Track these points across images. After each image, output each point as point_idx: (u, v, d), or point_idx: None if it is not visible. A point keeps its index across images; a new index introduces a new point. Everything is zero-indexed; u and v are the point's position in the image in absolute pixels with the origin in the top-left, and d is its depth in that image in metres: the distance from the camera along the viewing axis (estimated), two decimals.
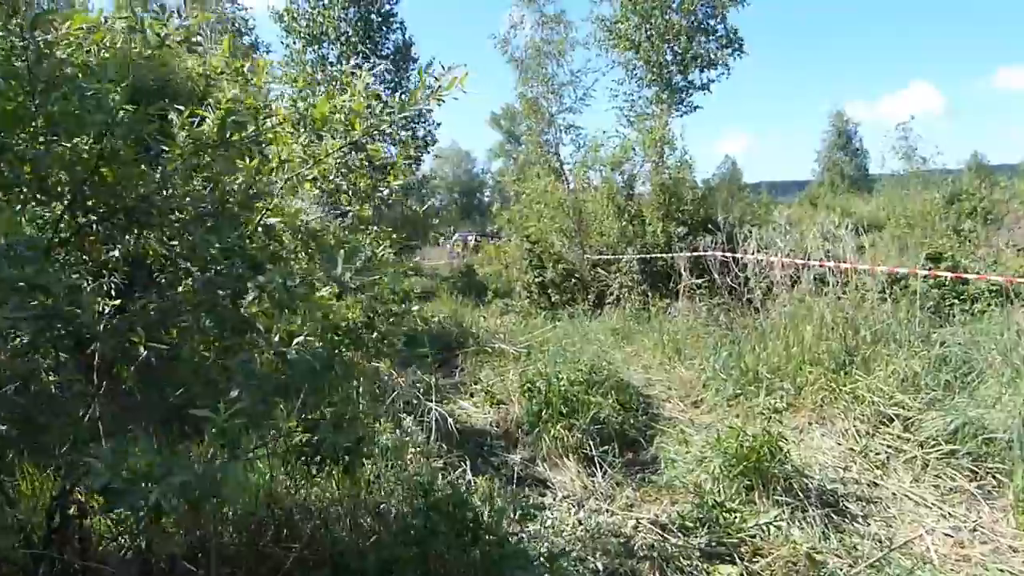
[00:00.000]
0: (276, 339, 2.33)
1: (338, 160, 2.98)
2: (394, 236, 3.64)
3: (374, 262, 2.93)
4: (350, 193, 3.15)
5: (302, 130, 2.90)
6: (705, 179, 16.08)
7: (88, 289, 3.24)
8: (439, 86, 2.83)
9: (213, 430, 1.71)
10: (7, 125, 2.35)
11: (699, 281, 11.80)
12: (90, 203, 2.58)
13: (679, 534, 4.63)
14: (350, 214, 3.28)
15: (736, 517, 4.72)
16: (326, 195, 3.11)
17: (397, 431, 5.52)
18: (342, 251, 2.26)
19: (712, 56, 21.74)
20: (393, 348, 3.38)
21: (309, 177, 2.96)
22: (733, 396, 7.49)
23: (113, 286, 3.25)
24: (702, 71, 22.15)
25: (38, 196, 2.51)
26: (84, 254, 3.11)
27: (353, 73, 2.91)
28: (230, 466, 1.63)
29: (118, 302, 3.10)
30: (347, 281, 2.15)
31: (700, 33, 21.62)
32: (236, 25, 22.39)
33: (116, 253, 3.14)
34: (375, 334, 3.20)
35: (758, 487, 5.06)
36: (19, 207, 2.55)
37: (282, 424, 2.47)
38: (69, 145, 2.40)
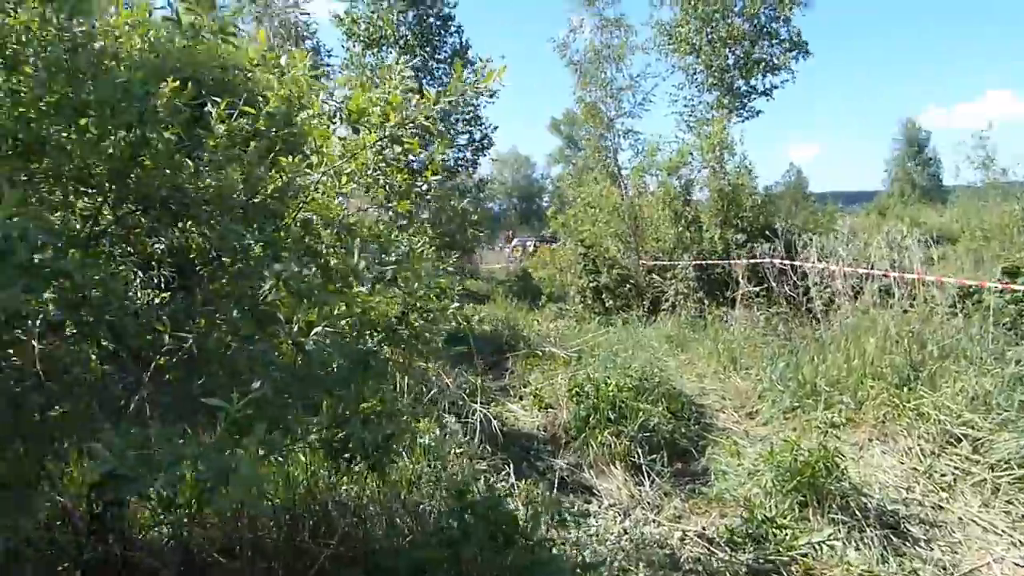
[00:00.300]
0: (295, 329, 2.31)
1: (376, 154, 2.96)
2: (430, 233, 3.58)
3: (412, 257, 2.89)
4: (387, 188, 3.13)
5: (338, 123, 2.89)
6: (767, 186, 15.64)
7: (137, 281, 3.33)
8: (477, 78, 2.79)
9: (226, 420, 1.68)
10: (49, 116, 2.39)
11: (757, 289, 11.50)
12: (129, 194, 2.60)
13: (726, 549, 4.48)
14: (390, 210, 3.26)
15: (787, 534, 4.53)
16: (363, 190, 3.09)
17: (439, 431, 5.48)
18: (361, 243, 2.23)
19: (775, 60, 21.25)
20: (430, 346, 3.33)
21: (347, 171, 2.94)
22: (790, 409, 7.25)
23: (163, 279, 3.34)
24: (765, 76, 21.68)
25: (78, 187, 2.55)
26: (129, 246, 3.17)
27: (390, 67, 2.89)
28: (240, 457, 1.60)
29: (167, 295, 3.16)
30: (362, 272, 2.11)
31: (763, 37, 21.15)
32: (299, 30, 22.83)
33: (162, 246, 3.20)
34: (410, 330, 3.16)
35: (812, 504, 4.85)
36: (62, 198, 2.60)
37: (310, 418, 2.45)
38: (111, 137, 2.44)
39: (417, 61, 20.89)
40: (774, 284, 10.83)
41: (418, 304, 3.24)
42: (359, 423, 2.48)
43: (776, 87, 21.92)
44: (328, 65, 23.69)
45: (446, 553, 3.27)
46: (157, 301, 3.10)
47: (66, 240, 2.49)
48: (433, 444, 4.93)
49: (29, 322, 2.59)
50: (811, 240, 10.25)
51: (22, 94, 2.44)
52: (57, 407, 2.64)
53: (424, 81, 21.25)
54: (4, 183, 1.75)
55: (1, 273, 1.47)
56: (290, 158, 2.83)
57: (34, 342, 2.72)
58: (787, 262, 10.66)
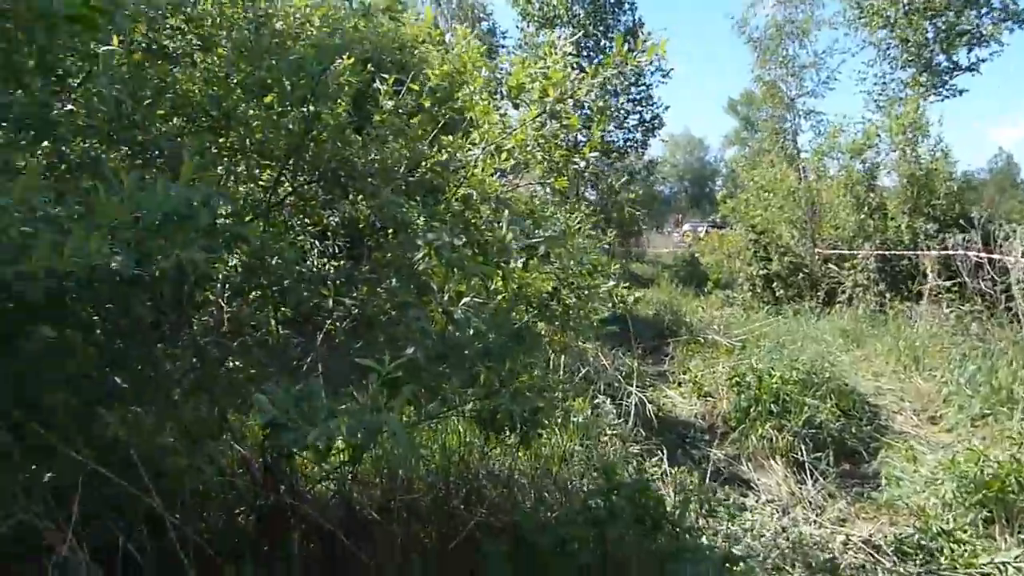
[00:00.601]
0: (445, 298, 2.38)
1: (535, 131, 2.97)
2: (584, 210, 3.55)
3: (566, 233, 2.89)
4: (546, 164, 3.13)
5: (499, 99, 2.93)
6: (967, 171, 14.12)
7: (314, 251, 3.57)
8: (639, 51, 2.74)
9: (377, 381, 1.76)
10: (236, 94, 2.60)
11: (947, 284, 10.50)
12: (304, 167, 2.78)
13: (894, 558, 4.16)
14: (546, 187, 3.27)
15: (966, 550, 4.13)
16: (523, 166, 3.11)
17: (592, 411, 5.48)
18: (513, 218, 2.26)
19: (983, 32, 19.09)
20: (582, 323, 3.31)
21: (506, 147, 2.97)
22: (979, 416, 6.59)
23: (337, 249, 3.57)
24: (970, 49, 19.55)
25: (260, 160, 2.75)
26: (307, 218, 3.40)
27: (552, 43, 2.89)
28: (391, 417, 1.67)
29: (339, 263, 3.37)
30: (510, 244, 2.13)
31: (970, 6, 19.04)
32: (475, 12, 23.35)
33: (336, 218, 3.41)
34: (562, 306, 3.17)
35: (999, 520, 4.39)
36: (246, 170, 2.83)
37: (463, 389, 2.52)
38: (289, 113, 2.62)
39: (589, 40, 20.80)
40: (968, 279, 9.85)
41: (570, 280, 3.24)
42: (509, 396, 2.51)
43: (983, 61, 19.72)
44: (502, 46, 24.10)
45: (591, 532, 3.27)
46: (330, 270, 3.32)
47: (249, 210, 2.72)
48: (585, 423, 4.93)
49: (218, 286, 2.87)
50: (1014, 231, 9.21)
51: (215, 73, 2.68)
52: (238, 364, 2.90)
53: (598, 60, 21.04)
54: (186, 153, 1.91)
55: (184, 235, 1.61)
56: (451, 135, 2.91)
57: (223, 304, 3.01)
58: (985, 255, 9.66)
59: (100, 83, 2.22)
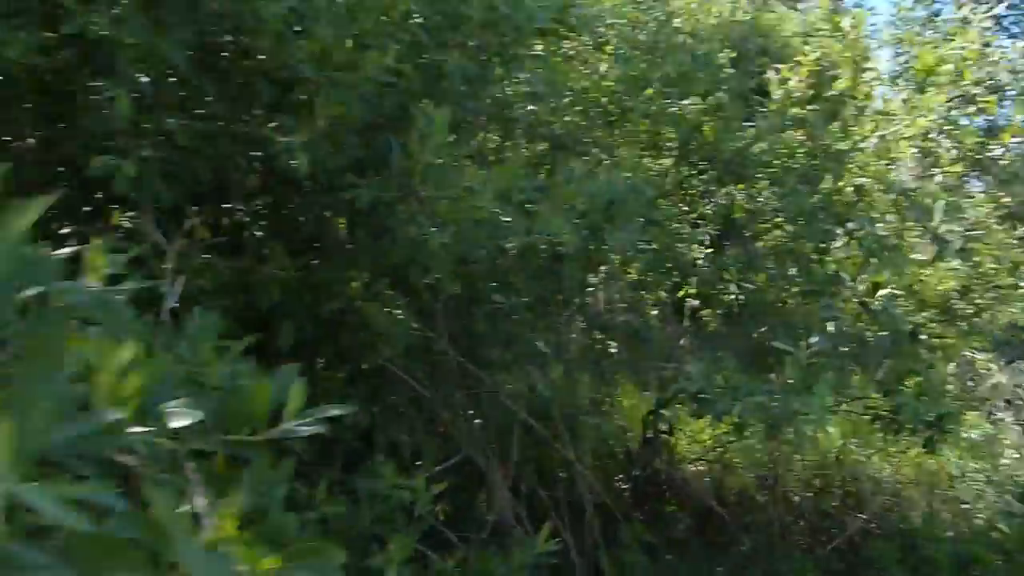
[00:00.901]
0: (860, 289, 2.31)
1: (941, 116, 2.74)
2: (1002, 201, 3.13)
3: (980, 226, 2.64)
4: (951, 152, 2.85)
5: (901, 84, 2.76)
6: None
7: (688, 237, 3.73)
8: None
9: (792, 365, 1.80)
10: (632, 88, 2.83)
11: None
12: (693, 157, 2.92)
13: None
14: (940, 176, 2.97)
15: None
16: (923, 154, 2.88)
17: (990, 428, 4.86)
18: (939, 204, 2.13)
19: None
20: (986, 329, 2.98)
21: (907, 135, 2.79)
22: None
23: (708, 237, 3.68)
24: None
25: (652, 151, 2.96)
26: (686, 206, 3.56)
27: (965, 19, 2.64)
28: (809, 399, 1.71)
29: (711, 251, 3.48)
30: (943, 234, 2.00)
31: None
32: None
33: (710, 209, 3.51)
34: (972, 307, 2.87)
35: None
36: (636, 161, 3.04)
37: (864, 380, 2.46)
38: (682, 103, 2.77)
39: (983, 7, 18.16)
40: None
41: (983, 280, 2.94)
42: (913, 395, 2.38)
43: None
44: (872, 24, 22.10)
45: (999, 557, 2.98)
46: (702, 257, 3.44)
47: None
48: (983, 440, 4.41)
49: (603, 268, 3.13)
50: None
51: (604, 72, 2.94)
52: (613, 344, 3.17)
53: (992, 33, 18.17)
54: (619, 148, 2.14)
55: (621, 219, 1.83)
56: (842, 123, 2.83)
57: (603, 285, 3.29)
58: None
59: (530, 83, 2.55)
